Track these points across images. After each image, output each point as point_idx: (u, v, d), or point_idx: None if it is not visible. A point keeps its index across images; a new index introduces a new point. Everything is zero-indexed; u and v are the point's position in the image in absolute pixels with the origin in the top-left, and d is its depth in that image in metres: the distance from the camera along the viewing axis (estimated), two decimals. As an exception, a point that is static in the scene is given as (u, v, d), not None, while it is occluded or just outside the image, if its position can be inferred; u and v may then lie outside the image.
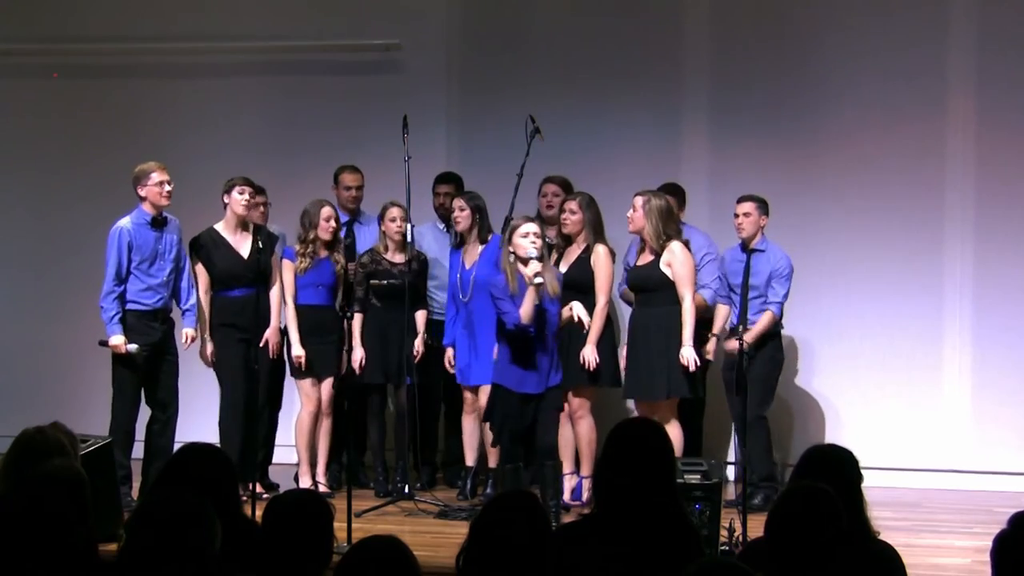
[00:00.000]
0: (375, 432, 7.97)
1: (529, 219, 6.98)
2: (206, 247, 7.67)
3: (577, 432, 7.51)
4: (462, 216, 7.77)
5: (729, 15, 8.74)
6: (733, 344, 7.21)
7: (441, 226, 8.32)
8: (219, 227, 7.73)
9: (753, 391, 7.56)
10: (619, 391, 7.68)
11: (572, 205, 7.56)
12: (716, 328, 7.72)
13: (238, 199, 7.64)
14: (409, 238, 7.84)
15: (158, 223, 7.48)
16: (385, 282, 7.80)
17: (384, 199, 7.99)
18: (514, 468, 6.90)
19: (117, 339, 7.34)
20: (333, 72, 9.18)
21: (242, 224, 7.71)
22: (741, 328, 6.98)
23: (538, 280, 6.64)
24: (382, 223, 7.92)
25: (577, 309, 6.97)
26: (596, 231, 7.54)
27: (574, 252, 7.54)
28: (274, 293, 7.76)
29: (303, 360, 7.73)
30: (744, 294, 7.39)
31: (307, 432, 7.80)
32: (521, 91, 8.69)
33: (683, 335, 7.21)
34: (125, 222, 7.45)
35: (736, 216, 7.64)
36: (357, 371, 7.73)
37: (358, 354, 7.76)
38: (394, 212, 7.85)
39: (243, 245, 7.67)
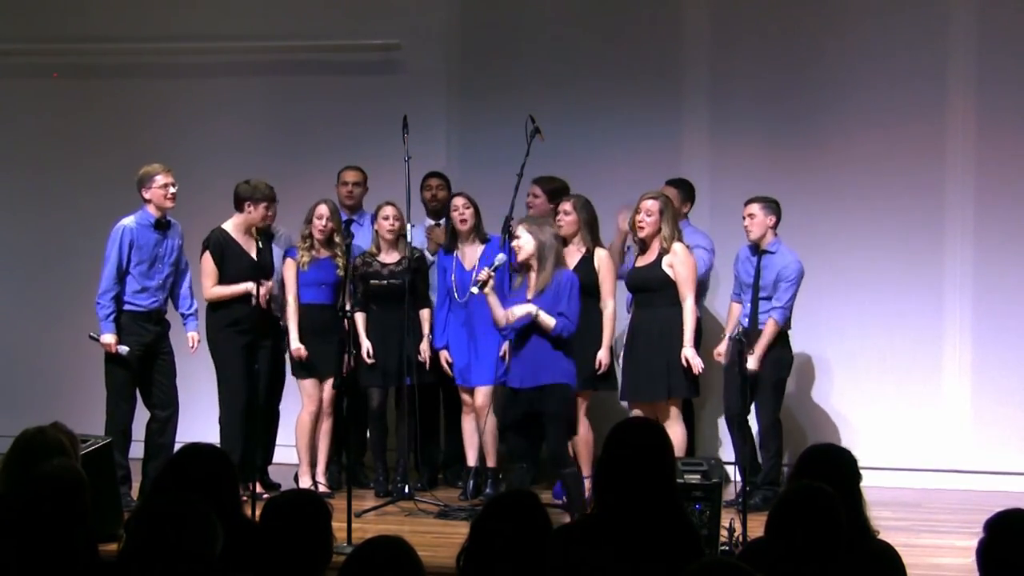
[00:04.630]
0: (375, 432, 7.96)
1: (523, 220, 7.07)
2: (220, 247, 7.65)
3: None
4: (468, 214, 7.71)
5: (729, 16, 8.73)
6: (720, 350, 7.52)
7: (429, 223, 8.29)
8: (228, 228, 7.72)
9: (764, 396, 7.54)
10: (611, 392, 7.65)
11: (566, 206, 7.49)
12: (728, 328, 7.69)
13: (262, 213, 7.65)
14: (409, 238, 7.83)
15: (161, 226, 7.47)
16: (386, 282, 7.78)
17: (384, 199, 7.99)
18: (517, 467, 6.89)
19: (109, 338, 7.33)
20: (333, 72, 9.18)
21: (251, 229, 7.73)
22: (740, 329, 6.98)
23: (473, 289, 6.96)
24: (375, 222, 7.91)
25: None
26: (592, 232, 7.49)
27: (574, 254, 7.42)
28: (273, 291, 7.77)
29: (303, 355, 7.72)
30: (755, 296, 7.38)
31: (307, 432, 7.79)
32: (521, 91, 8.68)
33: (684, 336, 7.21)
34: (129, 221, 7.44)
35: (744, 219, 7.63)
36: (368, 361, 7.72)
37: (366, 346, 7.74)
38: (387, 211, 7.82)
39: (252, 247, 7.67)
